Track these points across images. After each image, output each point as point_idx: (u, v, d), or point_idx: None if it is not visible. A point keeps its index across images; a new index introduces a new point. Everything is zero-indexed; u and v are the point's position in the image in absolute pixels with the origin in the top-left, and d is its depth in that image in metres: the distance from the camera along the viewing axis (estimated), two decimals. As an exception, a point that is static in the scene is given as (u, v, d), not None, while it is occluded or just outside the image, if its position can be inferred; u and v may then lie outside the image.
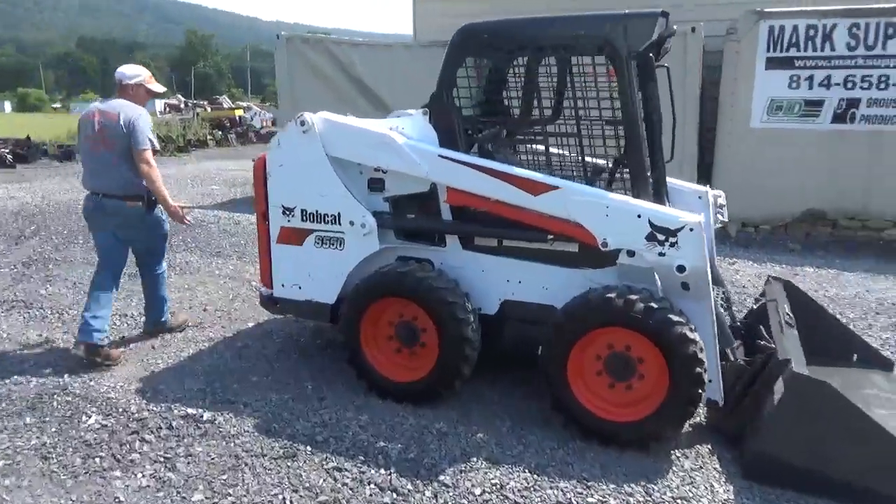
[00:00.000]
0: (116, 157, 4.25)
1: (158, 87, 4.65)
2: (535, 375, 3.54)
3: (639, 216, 3.30)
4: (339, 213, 3.90)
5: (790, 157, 7.92)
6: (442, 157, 3.66)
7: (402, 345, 3.82)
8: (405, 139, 3.74)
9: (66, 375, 4.11)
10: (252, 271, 6.40)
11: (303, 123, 3.86)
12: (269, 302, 4.25)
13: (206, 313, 5.27)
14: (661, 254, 3.28)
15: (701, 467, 3.20)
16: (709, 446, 3.38)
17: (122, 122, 4.23)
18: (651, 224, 3.28)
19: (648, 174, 3.59)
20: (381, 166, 3.80)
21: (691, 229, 3.22)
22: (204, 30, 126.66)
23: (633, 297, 3.20)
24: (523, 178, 3.51)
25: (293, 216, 4.02)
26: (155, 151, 4.38)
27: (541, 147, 3.88)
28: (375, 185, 3.95)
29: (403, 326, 3.79)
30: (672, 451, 3.32)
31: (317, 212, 3.96)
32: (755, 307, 4.22)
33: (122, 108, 4.31)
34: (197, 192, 11.82)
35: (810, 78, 7.73)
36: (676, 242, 3.24)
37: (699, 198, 4.19)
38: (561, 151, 3.90)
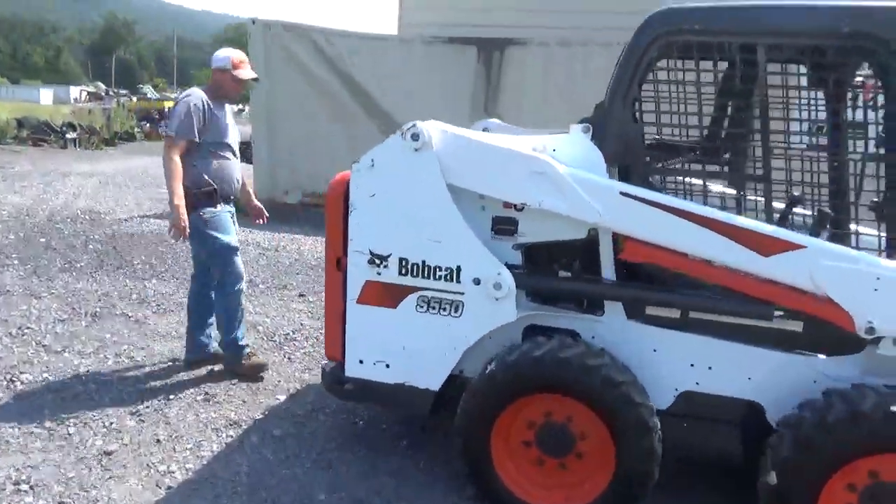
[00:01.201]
0: None
1: (247, 74, 3.92)
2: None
3: None
4: (458, 267, 2.76)
5: None
6: (626, 195, 2.58)
7: (546, 454, 2.72)
8: (566, 168, 2.64)
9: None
10: (259, 311, 5.11)
11: (415, 137, 2.69)
12: (337, 383, 3.05)
13: (213, 379, 3.97)
14: None
15: None
16: None
17: None
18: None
19: None
20: (530, 203, 2.69)
21: None
22: (125, 14, 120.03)
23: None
24: (751, 230, 2.48)
25: (386, 267, 2.84)
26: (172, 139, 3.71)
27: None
28: (503, 226, 2.84)
29: (551, 430, 2.69)
30: None
31: (424, 263, 2.80)
32: None
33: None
34: (145, 196, 10.22)
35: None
36: None
37: None
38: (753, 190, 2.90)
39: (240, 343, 3.92)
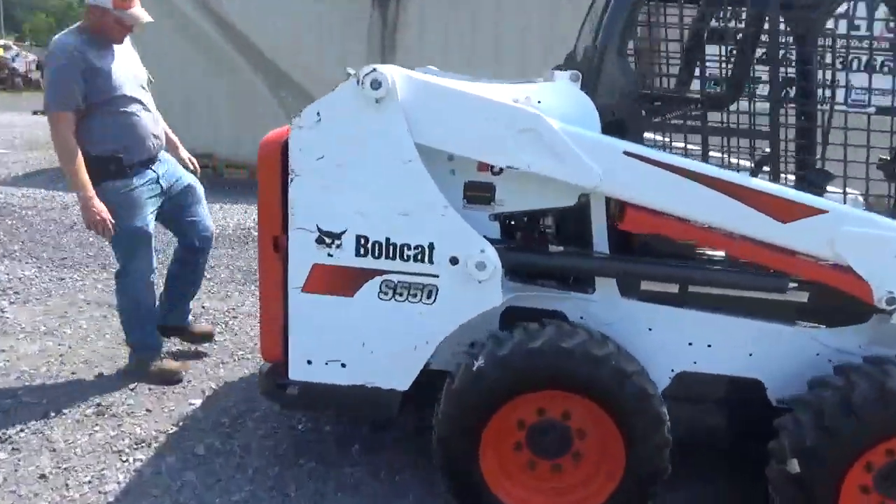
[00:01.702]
0: None
1: (136, 16, 3.06)
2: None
3: None
4: (430, 245, 2.28)
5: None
6: (631, 155, 2.20)
7: (539, 457, 2.36)
8: (560, 123, 2.21)
9: None
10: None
11: (376, 85, 2.15)
12: (278, 388, 2.50)
13: (104, 384, 3.26)
14: None
15: None
16: None
17: None
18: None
19: None
20: (517, 166, 2.24)
21: None
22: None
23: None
24: (771, 195, 2.19)
25: (339, 247, 2.31)
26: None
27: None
28: (477, 193, 2.40)
29: (545, 428, 2.33)
30: None
31: (388, 241, 2.30)
32: None
33: None
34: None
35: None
36: None
37: None
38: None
39: (149, 343, 3.25)
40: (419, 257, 2.29)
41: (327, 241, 2.31)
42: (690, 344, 2.46)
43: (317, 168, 2.25)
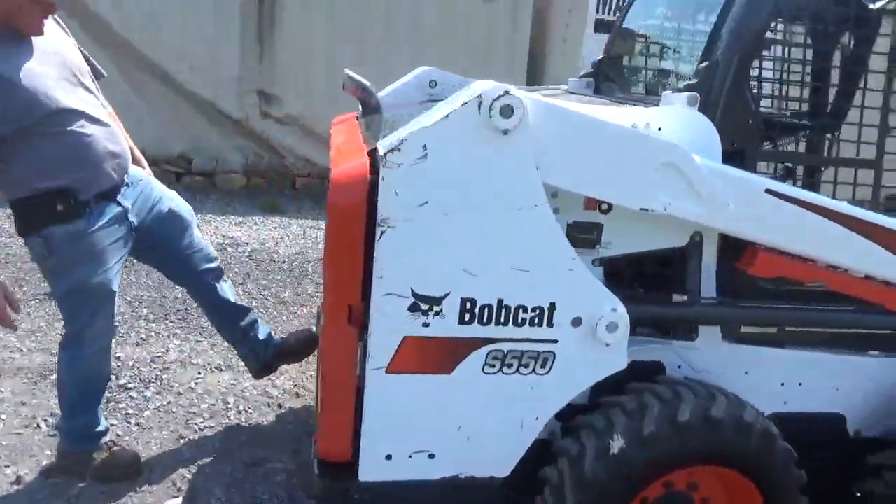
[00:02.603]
0: None
1: None
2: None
3: None
4: (551, 305, 1.86)
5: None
6: (772, 193, 1.94)
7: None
8: (700, 157, 1.89)
9: None
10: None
11: (508, 112, 1.67)
12: (343, 492, 1.95)
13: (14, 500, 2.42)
14: None
15: None
16: None
17: None
18: None
19: None
20: (654, 207, 1.89)
21: None
22: None
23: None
24: (903, 233, 2.05)
25: (439, 315, 1.81)
26: None
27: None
28: (583, 235, 2.02)
29: (667, 499, 2.04)
30: None
31: (500, 304, 1.84)
32: None
33: None
34: None
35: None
36: None
37: None
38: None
39: (95, 431, 2.46)
40: (536, 321, 1.87)
41: (424, 307, 1.80)
42: (783, 384, 2.31)
43: (417, 217, 1.73)
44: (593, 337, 1.89)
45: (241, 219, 5.92)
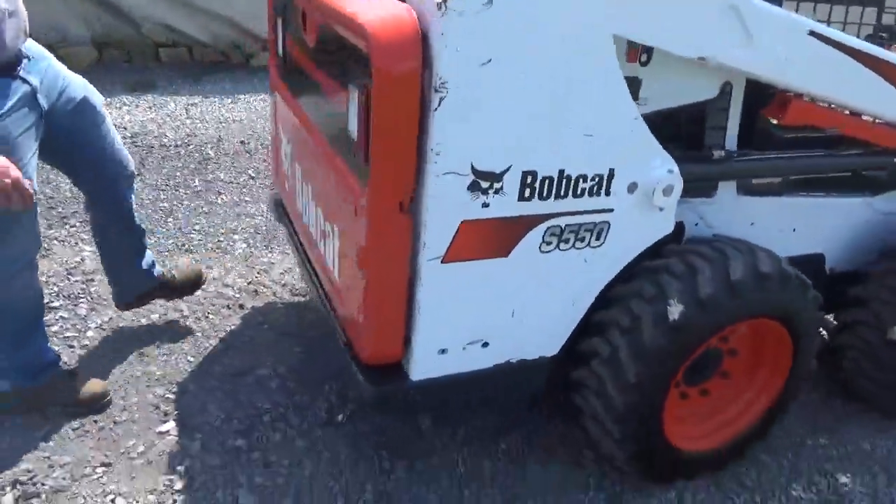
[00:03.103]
0: None
1: None
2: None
3: None
4: (610, 172, 1.71)
5: None
6: (816, 35, 1.85)
7: (689, 385, 2.11)
8: (755, -3, 1.74)
9: None
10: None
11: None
12: (389, 393, 1.77)
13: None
14: None
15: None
16: None
17: None
18: None
19: None
20: (709, 56, 1.73)
21: None
22: None
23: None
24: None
25: (499, 192, 1.60)
26: None
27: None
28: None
29: (699, 358, 2.06)
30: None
31: (562, 174, 1.66)
32: None
33: None
34: None
35: None
36: None
37: None
38: None
39: (44, 359, 2.05)
40: (595, 190, 1.71)
41: (484, 185, 1.58)
42: (780, 231, 2.36)
43: (480, 78, 1.46)
44: (648, 202, 1.78)
45: (105, 100, 5.11)
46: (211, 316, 2.66)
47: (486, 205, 1.60)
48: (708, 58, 1.74)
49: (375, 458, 2.07)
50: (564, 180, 1.67)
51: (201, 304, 2.72)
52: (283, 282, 2.93)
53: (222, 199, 3.69)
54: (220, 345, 2.51)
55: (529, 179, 1.62)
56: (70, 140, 2.10)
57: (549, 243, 1.73)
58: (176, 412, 2.16)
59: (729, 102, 2.00)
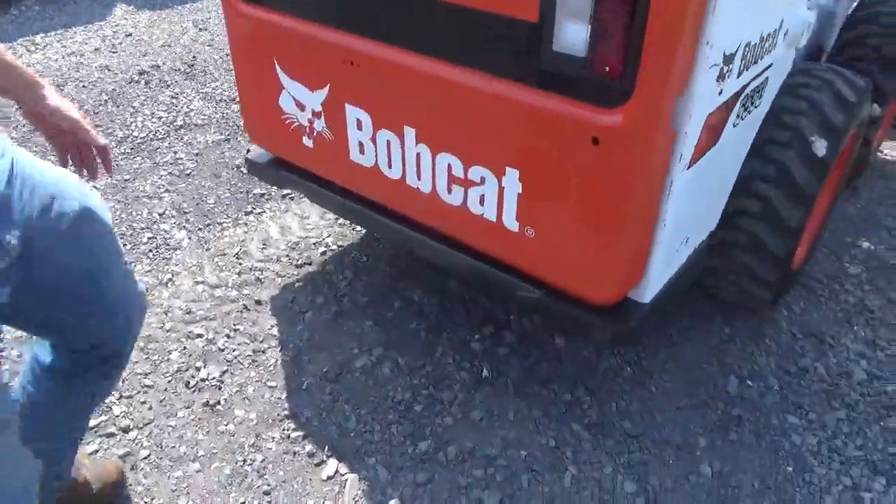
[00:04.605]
0: None
1: None
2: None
3: None
4: (781, 23, 1.61)
5: None
6: None
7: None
8: None
9: None
10: None
11: None
12: (634, 326, 1.59)
13: None
14: None
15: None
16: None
17: None
18: None
19: None
20: None
21: None
22: None
23: None
24: None
25: (730, 73, 1.42)
26: None
27: None
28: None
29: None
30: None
31: (762, 38, 1.52)
32: None
33: None
34: None
35: None
36: None
37: None
38: None
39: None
40: (769, 47, 1.61)
41: (725, 70, 1.39)
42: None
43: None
44: (793, 46, 1.73)
45: None
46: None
47: (721, 91, 1.43)
48: None
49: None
50: (761, 44, 1.53)
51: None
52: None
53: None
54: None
55: (745, 52, 1.46)
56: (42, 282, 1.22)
57: (740, 116, 1.62)
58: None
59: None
